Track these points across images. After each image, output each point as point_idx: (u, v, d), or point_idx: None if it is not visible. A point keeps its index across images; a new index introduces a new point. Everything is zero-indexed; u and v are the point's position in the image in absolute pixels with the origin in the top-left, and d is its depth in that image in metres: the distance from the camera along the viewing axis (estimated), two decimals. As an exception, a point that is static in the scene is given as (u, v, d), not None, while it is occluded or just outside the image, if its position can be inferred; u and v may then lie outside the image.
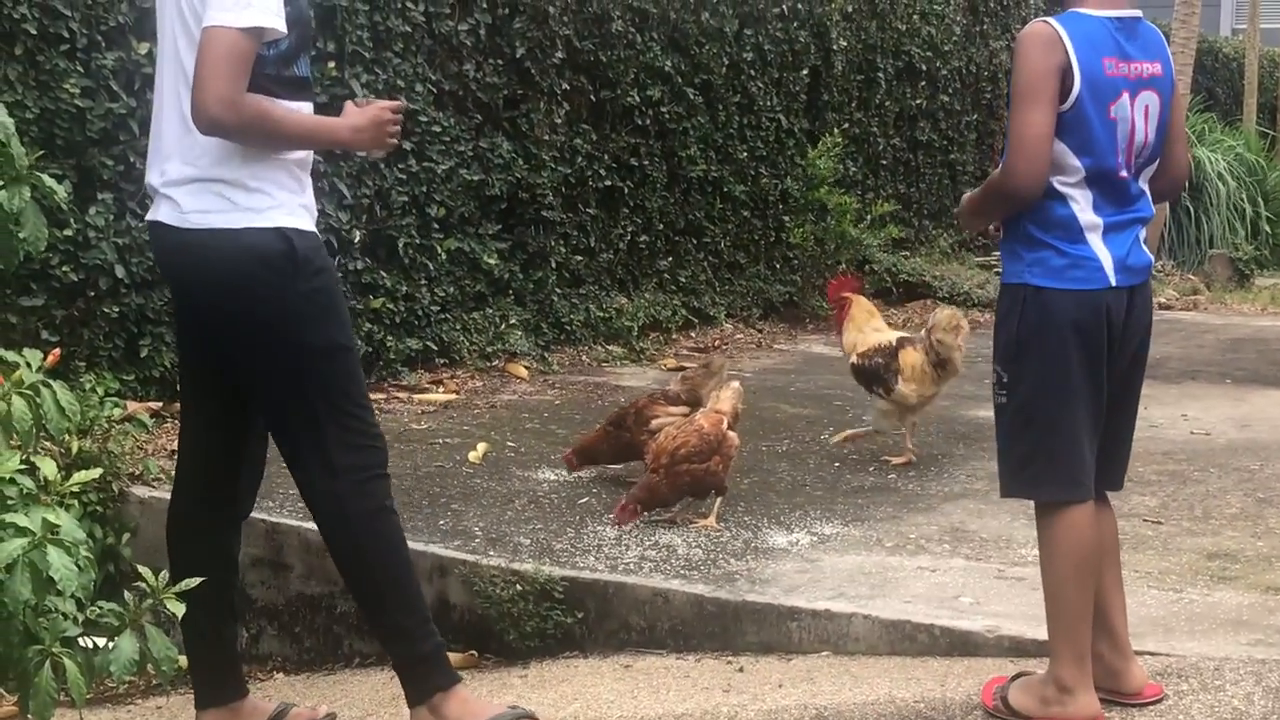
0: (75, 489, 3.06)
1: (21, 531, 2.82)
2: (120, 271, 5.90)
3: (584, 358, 8.15)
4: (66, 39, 5.71)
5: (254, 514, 5.12)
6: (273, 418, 3.69)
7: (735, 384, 5.42)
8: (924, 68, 11.96)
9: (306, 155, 3.64)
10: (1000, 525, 5.18)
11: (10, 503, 2.94)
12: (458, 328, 7.59)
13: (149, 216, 3.61)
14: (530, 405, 6.95)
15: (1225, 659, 3.88)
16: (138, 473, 5.36)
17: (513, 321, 7.83)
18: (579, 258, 8.44)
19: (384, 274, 7.19)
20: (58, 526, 2.86)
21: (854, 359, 6.07)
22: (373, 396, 6.80)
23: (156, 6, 3.60)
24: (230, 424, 3.77)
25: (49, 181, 3.34)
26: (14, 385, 3.05)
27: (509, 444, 6.10)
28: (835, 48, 10.65)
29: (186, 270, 3.58)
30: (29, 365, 3.17)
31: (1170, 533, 5.08)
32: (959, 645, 4.19)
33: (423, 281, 7.41)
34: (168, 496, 5.16)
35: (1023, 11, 13.48)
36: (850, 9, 10.86)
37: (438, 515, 5.11)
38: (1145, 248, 3.50)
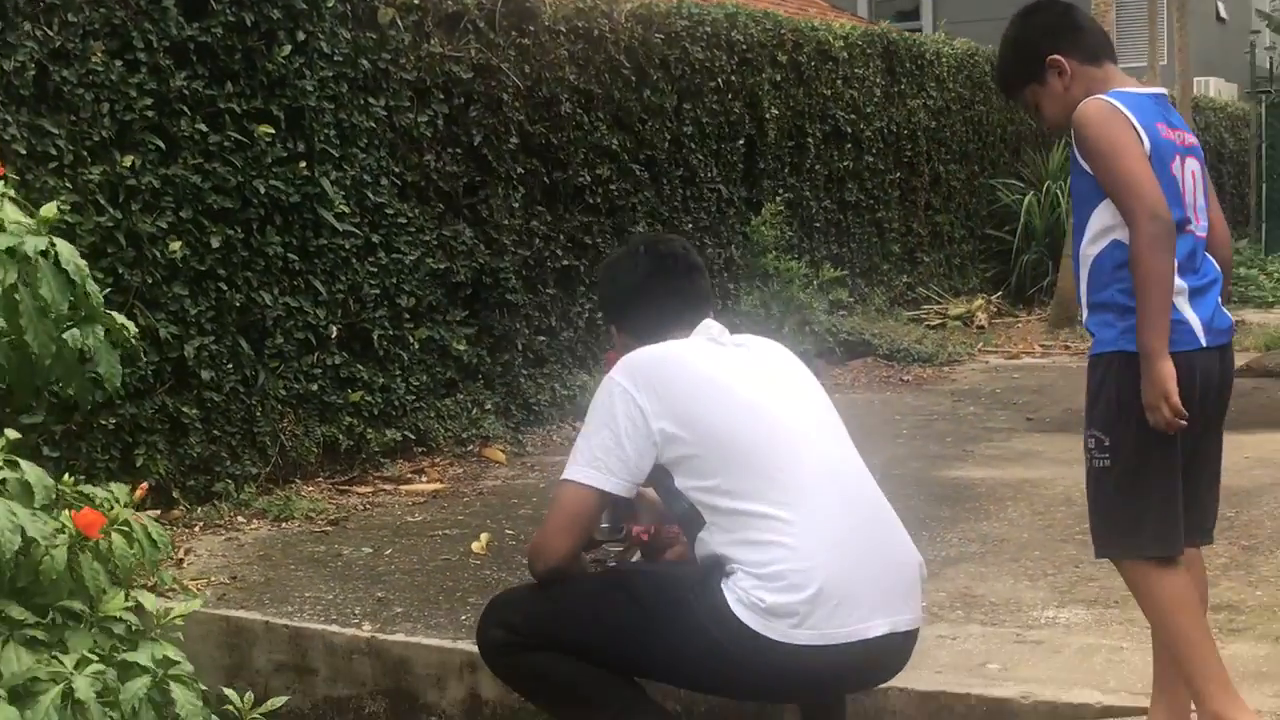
0: (179, 621, 3.11)
1: (142, 669, 2.87)
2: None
3: (554, 437, 8.24)
4: (54, 155, 5.75)
5: (275, 619, 5.20)
6: None
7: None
8: (849, 130, 12.23)
9: None
10: (1006, 589, 5.32)
11: (120, 639, 3.00)
12: (432, 416, 7.66)
13: None
14: (517, 490, 7.03)
15: (1259, 711, 4.02)
16: (149, 585, 5.36)
17: (487, 406, 7.92)
18: (541, 338, 8.55)
19: (360, 367, 7.26)
20: (176, 662, 2.92)
21: None
22: (360, 491, 6.93)
23: None
24: None
25: (120, 319, 3.41)
26: (112, 522, 3.10)
27: (508, 531, 6.17)
28: (767, 116, 10.88)
29: None
30: (118, 500, 3.22)
31: (1169, 586, 5.24)
32: (996, 713, 4.29)
33: (397, 372, 7.48)
34: (182, 606, 5.21)
35: (936, 70, 13.81)
36: (779, 78, 11.10)
37: (457, 610, 5.16)
38: (1225, 310, 3.61)
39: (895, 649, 3.53)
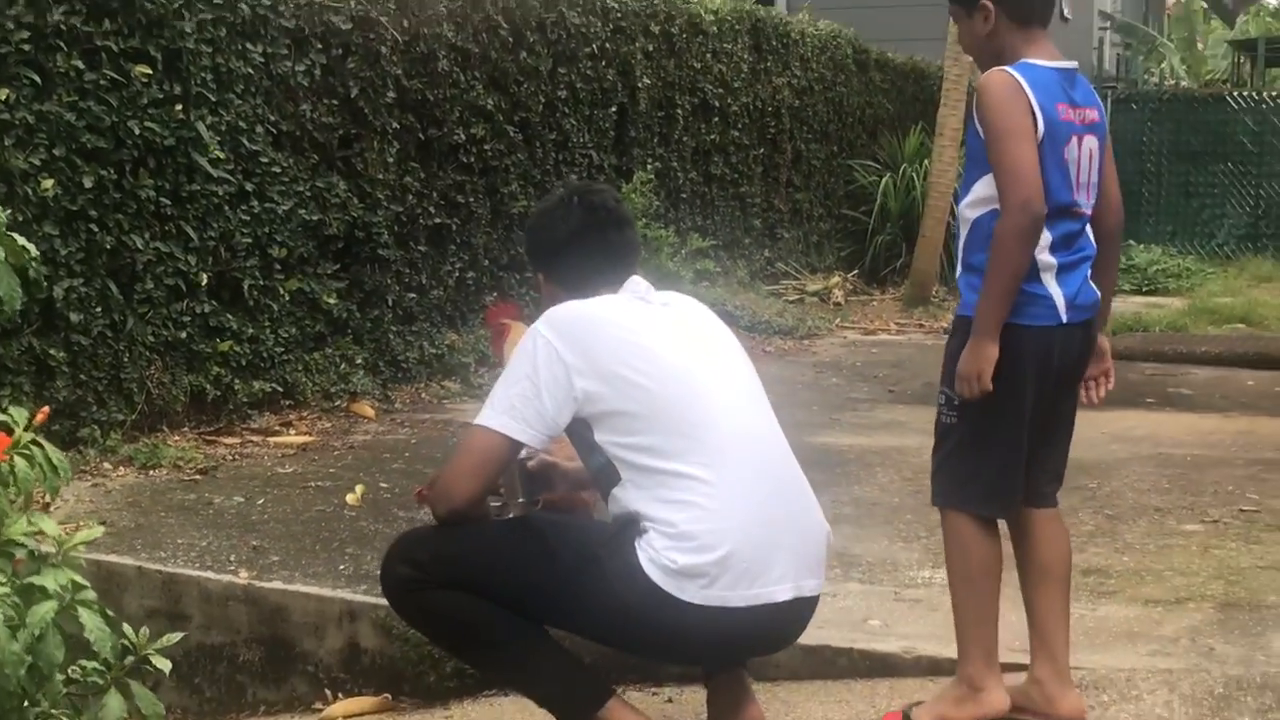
0: (82, 546, 3.03)
1: (48, 594, 2.80)
2: (-20, 321, 5.75)
3: (423, 395, 8.19)
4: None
5: (148, 564, 5.10)
6: None
7: None
8: (716, 104, 12.29)
9: None
10: (881, 549, 5.41)
11: (22, 565, 2.92)
12: (300, 369, 7.56)
13: None
14: (388, 445, 6.97)
15: (1133, 669, 4.15)
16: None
17: (356, 362, 7.84)
18: (412, 295, 8.47)
19: (230, 316, 7.13)
20: (84, 586, 2.85)
21: None
22: (227, 442, 6.81)
23: None
24: None
25: (21, 241, 3.31)
26: (15, 445, 3.02)
27: (382, 485, 6.11)
28: (640, 85, 10.89)
29: None
30: (18, 424, 3.13)
31: (1039, 551, 5.36)
32: (879, 667, 4.37)
33: (266, 323, 7.36)
34: (84, 534, 5.09)
35: (800, 50, 13.93)
36: (651, 48, 11.12)
37: (335, 559, 5.11)
38: (1092, 284, 3.70)
39: (798, 614, 3.57)
